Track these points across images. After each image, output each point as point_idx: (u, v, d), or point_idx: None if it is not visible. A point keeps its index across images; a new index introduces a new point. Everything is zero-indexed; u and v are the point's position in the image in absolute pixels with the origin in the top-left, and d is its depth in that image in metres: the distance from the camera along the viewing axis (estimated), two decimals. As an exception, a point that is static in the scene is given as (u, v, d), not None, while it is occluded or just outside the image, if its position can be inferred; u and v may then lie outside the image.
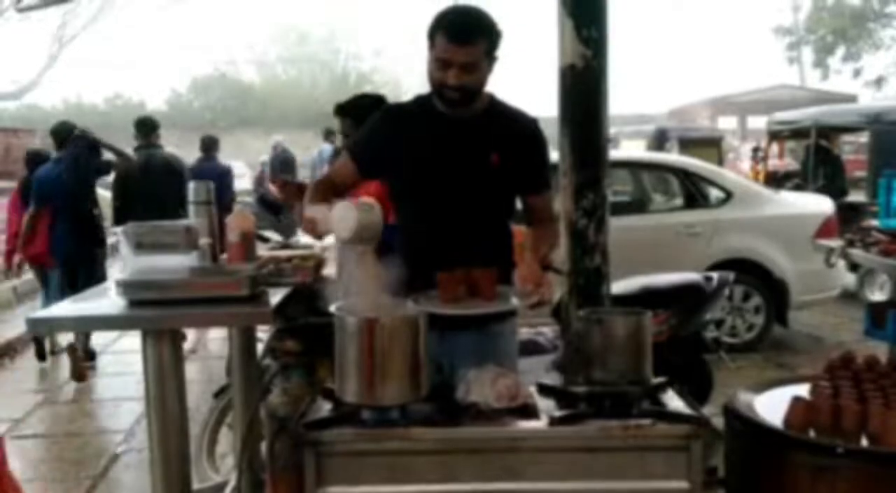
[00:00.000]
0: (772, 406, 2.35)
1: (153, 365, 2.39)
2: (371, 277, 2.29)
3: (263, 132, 36.42)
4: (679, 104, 35.42)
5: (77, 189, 6.62)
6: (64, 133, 6.83)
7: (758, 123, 37.33)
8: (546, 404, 2.32)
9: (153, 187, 7.06)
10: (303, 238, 3.75)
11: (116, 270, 2.58)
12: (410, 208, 2.70)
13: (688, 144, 14.11)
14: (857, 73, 28.46)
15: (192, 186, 2.80)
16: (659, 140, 13.45)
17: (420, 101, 2.68)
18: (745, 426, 2.32)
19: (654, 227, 6.71)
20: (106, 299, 2.49)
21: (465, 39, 2.44)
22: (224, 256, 2.86)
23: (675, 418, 2.19)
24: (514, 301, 2.48)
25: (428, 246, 2.64)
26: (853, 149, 12.15)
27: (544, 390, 2.43)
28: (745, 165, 15.79)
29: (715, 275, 4.84)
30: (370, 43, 45.79)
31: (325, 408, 2.32)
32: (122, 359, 6.96)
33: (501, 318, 2.66)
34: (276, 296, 2.57)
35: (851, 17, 27.46)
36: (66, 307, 2.46)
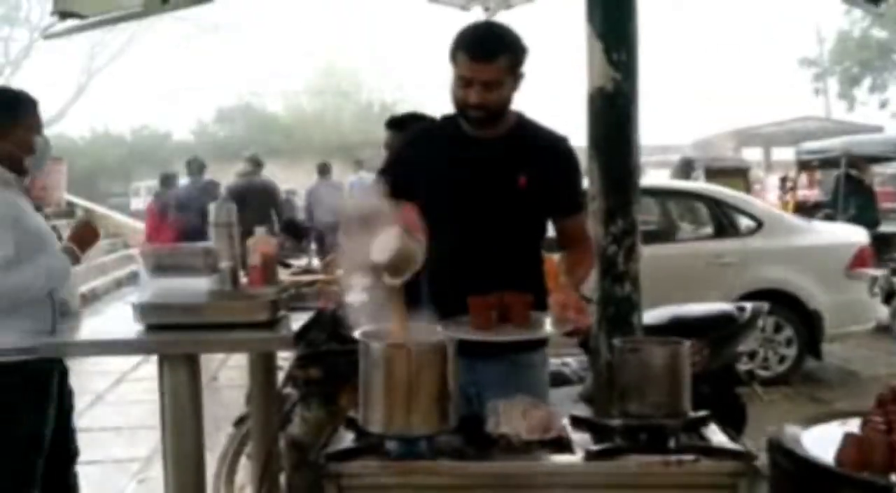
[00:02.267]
0: (821, 442, 2.21)
1: (170, 391, 2.31)
2: (398, 303, 2.19)
3: (289, 162, 36.68)
4: (703, 135, 35.22)
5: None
6: (196, 165, 10.72)
7: (783, 154, 36.99)
8: (580, 438, 2.20)
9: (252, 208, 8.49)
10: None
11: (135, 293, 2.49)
12: (434, 232, 2.59)
13: (714, 174, 13.94)
14: (883, 104, 28.26)
15: (213, 207, 2.72)
16: (685, 169, 13.31)
17: (445, 121, 2.60)
18: (792, 463, 2.18)
19: (682, 256, 6.58)
20: (122, 323, 2.41)
21: (485, 56, 2.36)
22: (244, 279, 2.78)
23: (720, 453, 2.06)
24: (549, 328, 2.36)
25: (453, 272, 2.54)
26: (881, 180, 11.96)
27: (577, 422, 2.31)
28: (771, 195, 15.62)
29: (748, 305, 4.69)
30: (394, 74, 45.95)
31: (347, 438, 2.21)
32: (141, 386, 6.87)
33: (533, 346, 2.55)
34: (297, 321, 2.48)
35: (878, 48, 27.32)
36: (83, 332, 2.38)
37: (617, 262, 3.83)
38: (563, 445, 2.12)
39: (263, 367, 3.30)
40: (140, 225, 18.16)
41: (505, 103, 2.46)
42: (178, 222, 9.66)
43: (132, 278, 14.03)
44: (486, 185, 2.49)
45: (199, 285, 2.44)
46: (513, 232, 2.53)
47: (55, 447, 3.05)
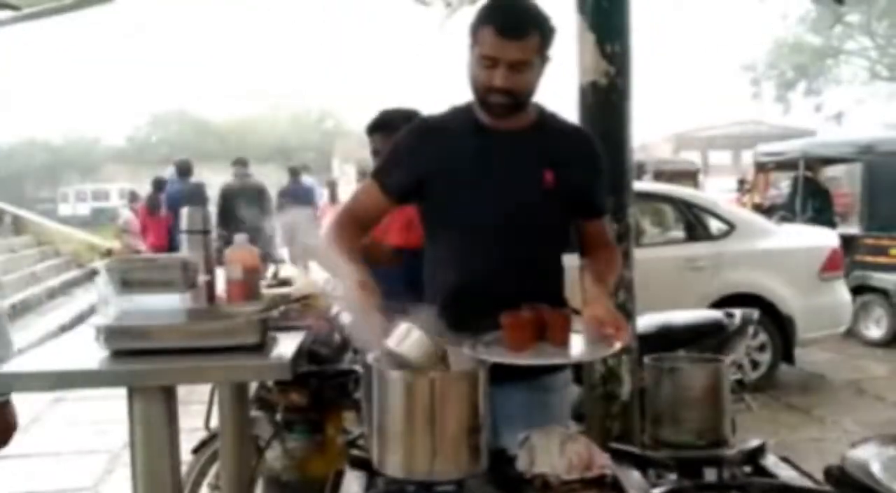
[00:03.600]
0: (892, 470, 1.97)
1: (141, 429, 1.96)
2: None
3: (223, 167, 35.82)
4: (642, 140, 35.58)
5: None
6: (184, 166, 11.16)
7: (720, 158, 37.75)
8: (628, 476, 1.91)
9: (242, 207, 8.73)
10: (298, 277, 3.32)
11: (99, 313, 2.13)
12: (445, 236, 2.27)
13: (663, 176, 13.92)
14: (817, 108, 28.80)
15: (185, 212, 2.38)
16: (636, 173, 13.21)
17: (458, 111, 2.28)
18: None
19: (652, 260, 6.34)
20: (85, 350, 2.05)
21: (516, 33, 2.06)
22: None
23: (794, 491, 1.80)
24: (593, 349, 2.05)
25: (464, 281, 2.23)
26: (836, 182, 12.02)
27: (619, 455, 2.03)
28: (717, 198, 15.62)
29: (737, 312, 4.50)
30: (333, 77, 45.48)
31: (356, 483, 1.88)
32: (83, 407, 6.41)
33: (557, 367, 2.26)
34: (287, 343, 2.15)
35: (812, 53, 27.83)
36: (38, 361, 2.01)
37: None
38: (610, 485, 1.83)
39: (234, 386, 2.94)
40: (71, 231, 17.46)
41: (532, 89, 2.17)
42: (167, 223, 11.04)
43: (65, 288, 13.39)
44: (509, 182, 2.18)
45: (174, 303, 2.09)
46: (536, 237, 2.23)
47: None
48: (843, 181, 13.35)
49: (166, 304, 2.06)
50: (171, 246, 10.68)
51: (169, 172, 12.30)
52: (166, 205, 11.17)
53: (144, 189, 12.01)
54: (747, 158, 30.81)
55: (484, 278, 2.19)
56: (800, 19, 28.06)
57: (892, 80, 28.32)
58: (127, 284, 2.02)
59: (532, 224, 2.21)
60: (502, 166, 2.18)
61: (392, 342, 1.81)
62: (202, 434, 3.56)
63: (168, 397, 1.98)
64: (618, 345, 1.97)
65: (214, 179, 14.87)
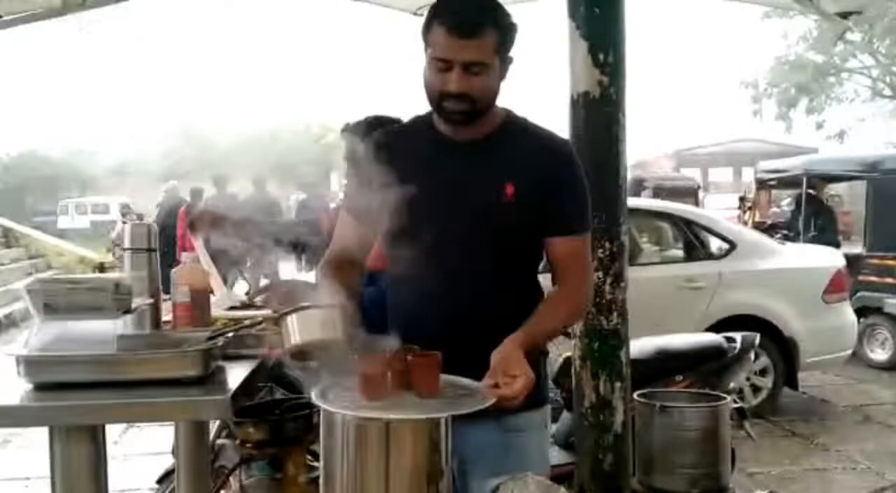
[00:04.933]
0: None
1: (62, 475, 1.73)
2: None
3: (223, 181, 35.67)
4: (641, 157, 35.44)
5: None
6: (221, 179, 12.37)
7: (720, 175, 37.55)
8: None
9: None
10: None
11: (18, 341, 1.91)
12: (404, 255, 2.04)
13: (663, 193, 13.69)
14: (819, 126, 28.55)
15: (127, 229, 2.16)
16: (635, 188, 12.98)
17: (417, 121, 2.10)
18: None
19: (649, 280, 6.11)
20: (3, 382, 1.83)
21: (470, 31, 1.87)
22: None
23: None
24: (457, 401, 1.71)
25: (423, 305, 2.01)
26: (838, 200, 11.78)
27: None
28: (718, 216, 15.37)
29: (738, 336, 4.26)
30: (334, 91, 45.44)
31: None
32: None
33: (534, 403, 2.00)
34: (235, 375, 1.92)
35: (814, 71, 27.61)
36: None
37: (603, 290, 3.39)
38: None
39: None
40: (64, 245, 17.27)
41: (491, 94, 1.96)
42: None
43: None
44: (467, 196, 1.98)
45: (105, 330, 1.87)
46: (496, 253, 2.01)
47: None
48: (844, 199, 13.13)
49: (97, 331, 1.84)
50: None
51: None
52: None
53: (142, 204, 12.35)
54: (748, 175, 30.66)
55: (441, 298, 1.97)
56: (801, 37, 27.87)
57: (895, 99, 28.13)
58: (51, 308, 1.80)
59: (490, 241, 1.99)
60: (458, 178, 1.98)
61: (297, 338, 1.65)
62: (170, 460, 3.34)
63: (93, 437, 1.75)
64: (490, 401, 1.68)
65: (216, 193, 14.80)
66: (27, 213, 31.70)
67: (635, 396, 1.89)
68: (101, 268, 14.00)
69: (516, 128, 2.07)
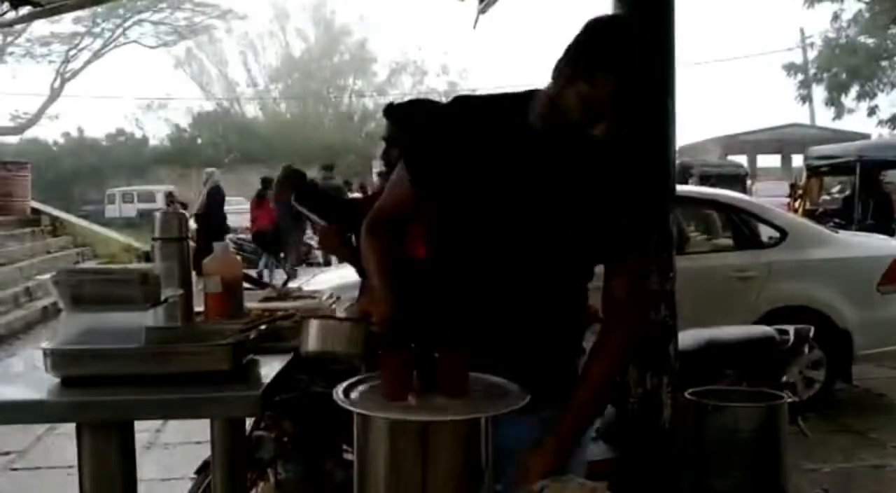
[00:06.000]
0: None
1: (91, 471, 1.68)
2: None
3: (267, 169, 35.79)
4: (688, 142, 34.94)
5: None
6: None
7: (768, 161, 36.85)
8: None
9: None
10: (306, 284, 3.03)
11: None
12: (455, 242, 1.94)
13: (710, 180, 13.44)
14: (871, 111, 27.85)
15: (158, 217, 2.10)
16: (682, 175, 12.73)
17: (506, 100, 1.91)
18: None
19: (697, 270, 5.92)
20: (31, 376, 1.78)
21: (637, 96, 1.73)
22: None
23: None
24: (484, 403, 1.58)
25: (465, 297, 1.90)
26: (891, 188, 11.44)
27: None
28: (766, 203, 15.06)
29: (790, 328, 4.10)
30: (375, 79, 45.30)
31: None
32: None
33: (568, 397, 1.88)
34: (269, 369, 1.85)
35: (866, 55, 26.91)
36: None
37: (650, 281, 3.25)
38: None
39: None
40: (110, 233, 17.47)
41: None
42: (272, 213, 13.66)
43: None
44: (532, 195, 1.83)
45: (135, 322, 1.81)
46: (559, 261, 1.88)
47: None
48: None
49: (125, 323, 1.78)
50: (276, 232, 13.83)
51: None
52: (273, 200, 13.41)
53: (187, 191, 12.86)
54: (797, 162, 30.03)
55: (486, 298, 1.86)
56: (852, 20, 27.19)
57: (950, 83, 27.37)
58: (78, 300, 1.74)
59: (556, 246, 1.86)
60: (528, 175, 1.84)
61: (311, 345, 1.66)
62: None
63: (121, 433, 1.69)
64: (527, 399, 1.57)
65: (257, 183, 15.06)
66: (77, 202, 32.18)
67: (687, 394, 1.77)
68: (147, 257, 14.14)
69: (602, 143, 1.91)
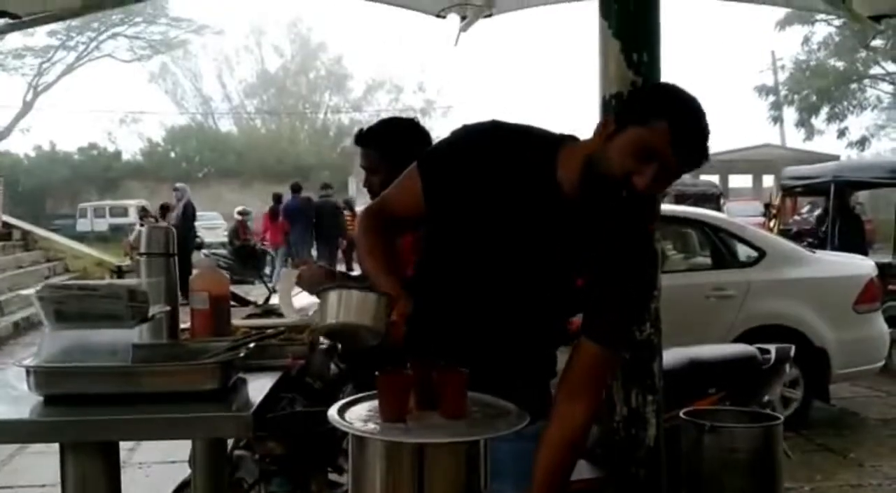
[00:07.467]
0: None
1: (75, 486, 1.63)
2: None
3: (240, 184, 35.70)
4: (661, 162, 35.21)
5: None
6: (297, 186, 14.68)
7: (740, 181, 37.19)
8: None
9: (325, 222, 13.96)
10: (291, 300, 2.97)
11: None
12: (449, 271, 1.91)
13: (684, 200, 13.52)
14: (841, 133, 28.27)
15: (144, 231, 2.05)
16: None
17: (539, 144, 1.86)
18: None
19: (675, 288, 5.93)
20: (11, 394, 1.72)
21: (693, 168, 1.83)
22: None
23: None
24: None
25: (449, 322, 1.88)
26: (861, 208, 11.57)
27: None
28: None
29: (772, 348, 4.11)
30: (350, 95, 45.29)
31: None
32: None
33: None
34: (257, 388, 1.81)
35: (835, 77, 27.33)
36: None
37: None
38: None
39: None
40: (81, 248, 17.26)
41: None
42: (284, 227, 14.46)
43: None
44: (541, 261, 1.83)
45: (120, 339, 1.76)
46: (545, 311, 1.89)
47: None
48: (867, 208, 12.92)
49: (110, 340, 1.73)
50: (287, 247, 14.42)
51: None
52: (283, 215, 14.64)
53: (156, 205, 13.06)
54: (767, 182, 30.29)
55: (471, 328, 1.86)
56: (822, 43, 27.61)
57: (919, 105, 27.84)
58: (62, 316, 1.69)
59: (540, 298, 1.86)
60: (536, 229, 1.81)
61: (332, 317, 1.51)
62: (187, 470, 3.22)
63: (106, 453, 1.64)
64: (527, 420, 1.54)
65: (233, 197, 15.05)
66: (48, 216, 31.80)
67: (681, 414, 1.75)
68: (119, 272, 13.97)
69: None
